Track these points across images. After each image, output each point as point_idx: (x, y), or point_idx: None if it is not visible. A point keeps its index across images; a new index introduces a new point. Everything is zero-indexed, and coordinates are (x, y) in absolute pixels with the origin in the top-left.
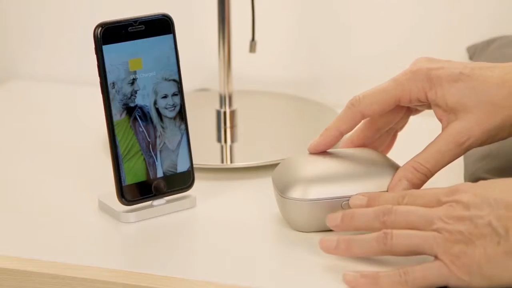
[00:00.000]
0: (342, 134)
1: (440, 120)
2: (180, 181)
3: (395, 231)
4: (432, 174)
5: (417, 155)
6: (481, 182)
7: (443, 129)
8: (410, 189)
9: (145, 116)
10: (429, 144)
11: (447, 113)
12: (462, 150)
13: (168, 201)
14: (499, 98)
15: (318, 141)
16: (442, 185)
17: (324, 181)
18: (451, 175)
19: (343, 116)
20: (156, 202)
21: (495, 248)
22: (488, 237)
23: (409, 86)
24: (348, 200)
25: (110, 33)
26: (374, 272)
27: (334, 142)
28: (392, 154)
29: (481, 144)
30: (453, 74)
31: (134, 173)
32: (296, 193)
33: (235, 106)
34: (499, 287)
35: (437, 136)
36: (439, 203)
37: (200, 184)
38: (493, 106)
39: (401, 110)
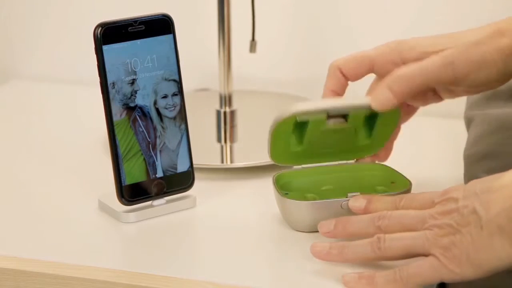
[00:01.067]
0: (336, 93)
1: None
2: (180, 181)
3: (387, 235)
4: (417, 86)
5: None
6: (472, 181)
7: None
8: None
9: (145, 116)
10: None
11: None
12: (448, 71)
13: (168, 201)
14: (478, 37)
15: None
16: (443, 184)
17: None
18: (451, 175)
19: (327, 78)
20: (156, 202)
21: (480, 233)
22: (472, 223)
23: (385, 49)
24: (347, 201)
25: (110, 33)
26: (372, 272)
27: None
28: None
29: (466, 76)
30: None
31: (134, 173)
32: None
33: (235, 106)
34: (491, 273)
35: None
36: (433, 204)
37: (200, 184)
38: (473, 43)
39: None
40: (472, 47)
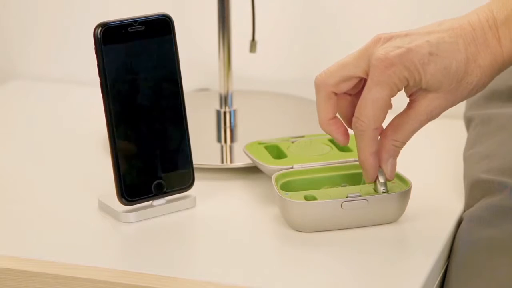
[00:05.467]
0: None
1: (406, 93)
2: (180, 181)
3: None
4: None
5: (393, 133)
6: None
7: (412, 104)
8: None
9: (145, 116)
10: (403, 122)
11: (417, 90)
12: (432, 120)
13: (168, 201)
14: (463, 71)
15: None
16: (443, 184)
17: None
18: (451, 175)
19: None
20: (156, 202)
21: None
22: None
23: (393, 80)
24: (347, 200)
25: (110, 33)
26: None
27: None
28: None
29: (449, 108)
30: (424, 56)
31: (134, 173)
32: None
33: (235, 106)
34: None
35: (411, 113)
36: None
37: (200, 184)
38: (459, 82)
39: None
40: (458, 91)
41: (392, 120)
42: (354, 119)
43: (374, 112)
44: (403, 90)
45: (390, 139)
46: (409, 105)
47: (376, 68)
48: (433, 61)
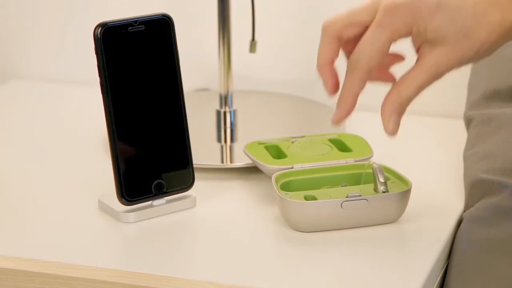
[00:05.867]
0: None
1: (414, 45)
2: (180, 181)
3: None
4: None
5: (399, 85)
6: None
7: (419, 58)
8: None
9: (145, 116)
10: (409, 75)
11: (424, 42)
12: (439, 77)
13: (168, 201)
14: (471, 26)
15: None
16: (443, 184)
17: None
18: (452, 175)
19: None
20: (156, 202)
21: None
22: None
23: (396, 24)
24: (347, 200)
25: (110, 33)
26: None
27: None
28: (388, 152)
29: (456, 68)
30: (431, 6)
31: (134, 173)
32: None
33: (235, 106)
34: None
35: (417, 67)
36: None
37: (200, 184)
38: (466, 35)
39: None
40: (466, 47)
41: (400, 77)
42: (350, 56)
43: (372, 53)
44: (413, 49)
45: (395, 91)
46: (417, 60)
47: (381, 11)
48: (440, 11)
